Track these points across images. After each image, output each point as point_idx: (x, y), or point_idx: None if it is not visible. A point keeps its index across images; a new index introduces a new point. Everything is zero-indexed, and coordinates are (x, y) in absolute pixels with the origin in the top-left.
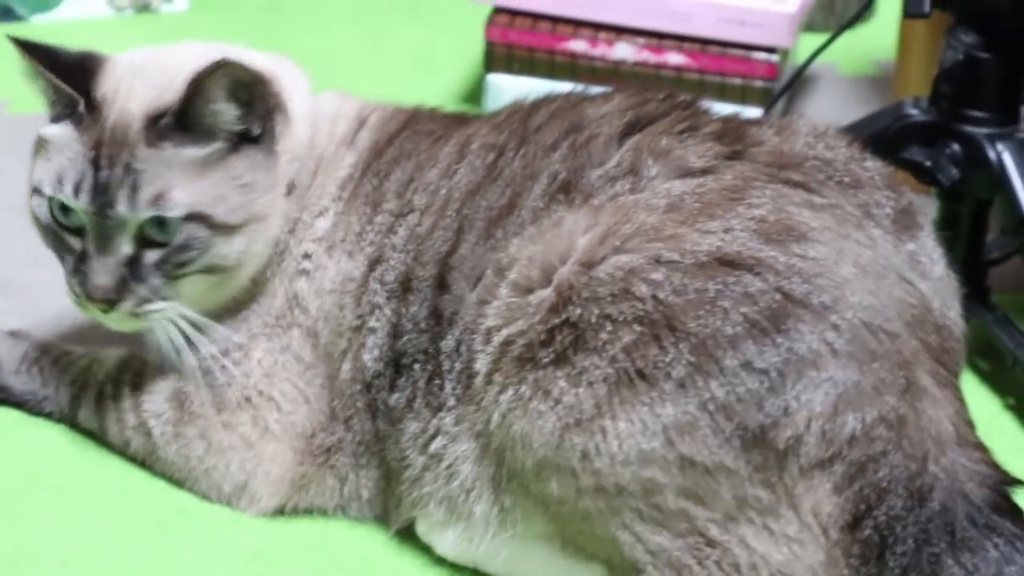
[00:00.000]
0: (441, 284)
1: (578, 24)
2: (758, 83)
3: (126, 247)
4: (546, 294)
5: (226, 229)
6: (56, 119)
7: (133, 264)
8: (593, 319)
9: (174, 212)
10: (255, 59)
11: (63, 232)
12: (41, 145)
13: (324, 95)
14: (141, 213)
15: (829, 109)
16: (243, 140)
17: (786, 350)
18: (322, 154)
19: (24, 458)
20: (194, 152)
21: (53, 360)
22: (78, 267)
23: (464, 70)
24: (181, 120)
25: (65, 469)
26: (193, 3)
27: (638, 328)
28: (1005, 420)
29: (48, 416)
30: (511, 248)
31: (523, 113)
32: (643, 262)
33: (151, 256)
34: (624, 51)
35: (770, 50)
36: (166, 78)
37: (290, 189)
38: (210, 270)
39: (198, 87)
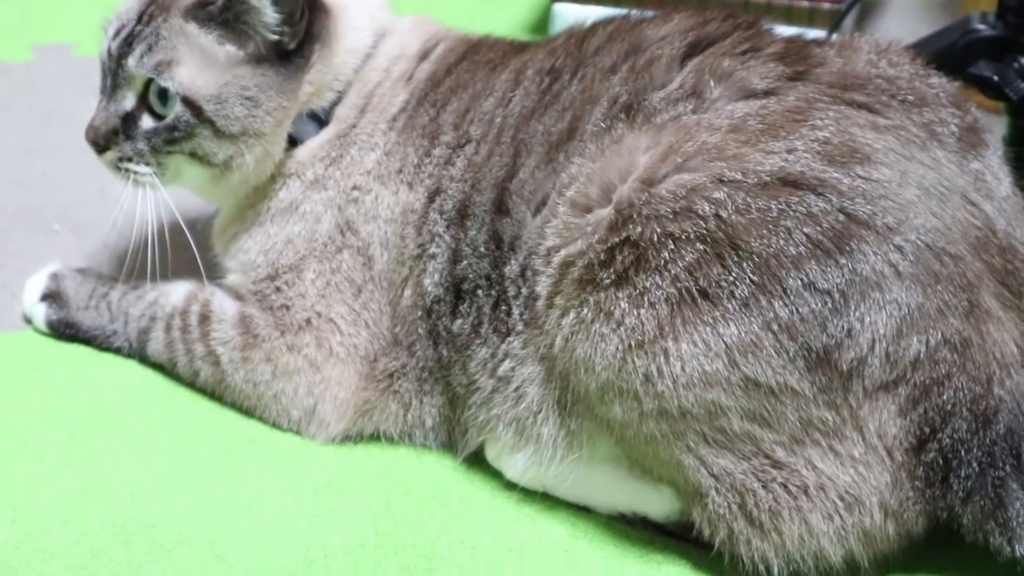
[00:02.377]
0: (500, 209)
1: None
2: (826, 5)
3: (127, 102)
4: (605, 212)
5: (215, 129)
6: None
7: (129, 121)
8: (655, 237)
9: (170, 84)
10: None
11: (103, 70)
12: None
13: (399, 26)
14: (143, 71)
15: (899, 31)
16: (270, 54)
17: (849, 271)
18: (373, 92)
19: (94, 392)
20: (218, 45)
21: (121, 295)
22: (97, 104)
23: (532, 1)
24: (223, 12)
25: (135, 403)
26: None
27: (700, 246)
28: None
29: (117, 351)
30: (572, 168)
31: (579, 37)
32: (705, 180)
33: (146, 122)
34: None
35: None
36: None
37: (322, 119)
38: (195, 157)
39: None
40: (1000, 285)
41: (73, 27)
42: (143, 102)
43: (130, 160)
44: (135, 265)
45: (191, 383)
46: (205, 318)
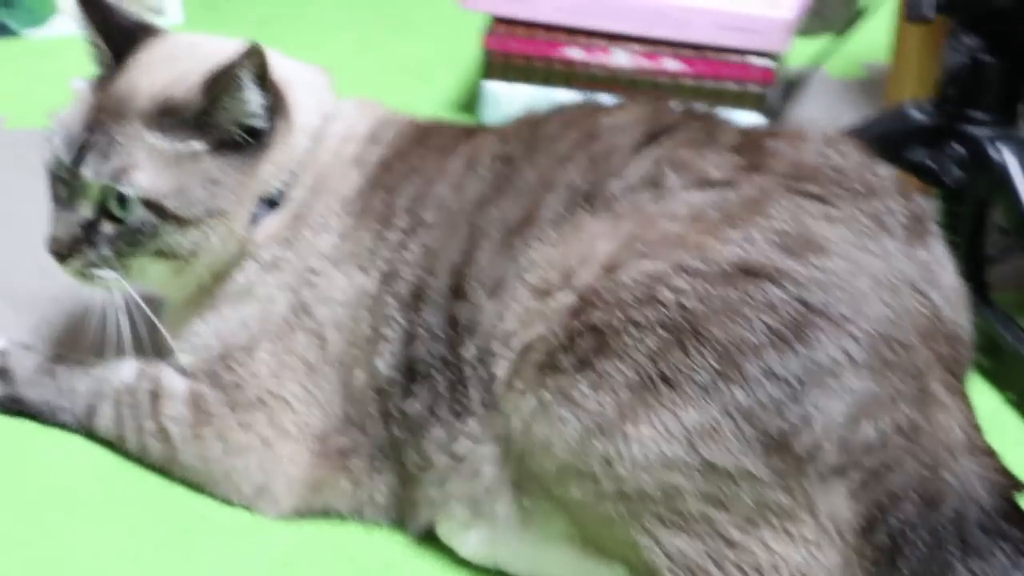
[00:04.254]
0: (457, 293)
1: (575, 32)
2: (753, 88)
3: (86, 210)
4: (567, 298)
5: (179, 221)
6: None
7: (90, 228)
8: (617, 323)
9: (129, 190)
10: (278, 64)
11: (55, 180)
12: (74, 96)
13: (346, 107)
14: (101, 180)
15: (819, 112)
16: (233, 142)
17: (807, 359)
18: (325, 173)
19: (41, 469)
20: (179, 144)
21: (68, 370)
22: (52, 214)
23: (459, 79)
24: (201, 115)
25: (83, 479)
26: (187, 17)
27: (663, 333)
28: (1007, 415)
29: (64, 426)
30: (532, 254)
31: (532, 124)
32: (668, 268)
33: (107, 228)
34: (621, 58)
35: (766, 55)
36: (184, 70)
37: (275, 200)
38: (162, 255)
39: (230, 75)
40: (946, 372)
41: (3, 101)
42: (101, 209)
43: (95, 266)
44: (84, 342)
45: (140, 459)
46: (155, 395)
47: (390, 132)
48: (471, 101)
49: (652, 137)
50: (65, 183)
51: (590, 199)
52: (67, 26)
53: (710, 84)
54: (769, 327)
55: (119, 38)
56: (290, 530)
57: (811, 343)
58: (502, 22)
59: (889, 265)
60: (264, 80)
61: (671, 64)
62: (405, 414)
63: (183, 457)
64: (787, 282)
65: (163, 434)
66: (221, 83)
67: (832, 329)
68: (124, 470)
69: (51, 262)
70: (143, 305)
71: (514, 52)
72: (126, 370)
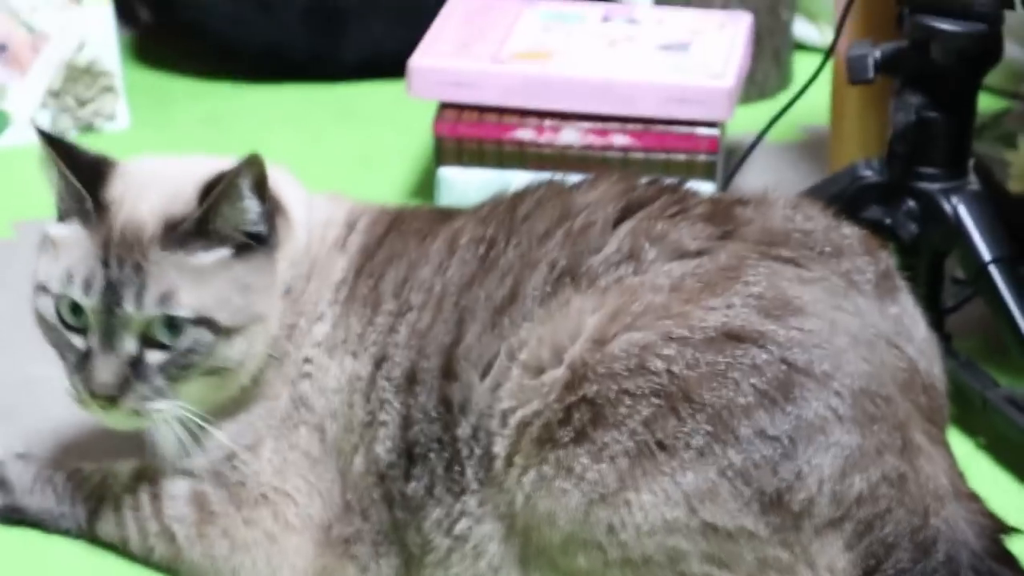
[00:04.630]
0: (448, 374)
1: (524, 113)
2: (702, 157)
3: (130, 346)
4: (559, 373)
5: (228, 332)
6: (63, 218)
7: (136, 364)
8: (611, 394)
9: (181, 312)
10: None
11: (67, 331)
12: (47, 244)
13: (317, 197)
14: (147, 311)
15: (763, 176)
16: (249, 244)
17: (795, 417)
18: (315, 259)
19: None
20: (203, 257)
21: (67, 477)
22: (82, 365)
23: (410, 167)
24: (201, 226)
25: None
26: (133, 120)
27: (656, 401)
28: (980, 459)
29: (66, 533)
30: (521, 333)
31: (507, 204)
32: (655, 338)
33: (154, 357)
34: (570, 136)
35: (711, 124)
36: (176, 186)
37: (287, 292)
38: (213, 372)
39: (231, 185)
40: (927, 422)
41: None
42: (143, 340)
43: (149, 400)
44: (75, 449)
45: (145, 560)
46: (156, 496)
47: (364, 219)
48: (425, 188)
49: (627, 212)
50: (102, 325)
51: (573, 275)
52: (19, 138)
53: (659, 156)
54: (757, 388)
55: (89, 174)
56: None
57: (798, 401)
58: (451, 107)
59: (864, 322)
60: (263, 186)
61: (620, 139)
62: (405, 496)
63: (189, 556)
64: (770, 344)
65: (167, 534)
66: (222, 192)
67: (817, 387)
68: (129, 573)
69: (36, 370)
70: (198, 418)
71: (465, 136)
72: (124, 473)
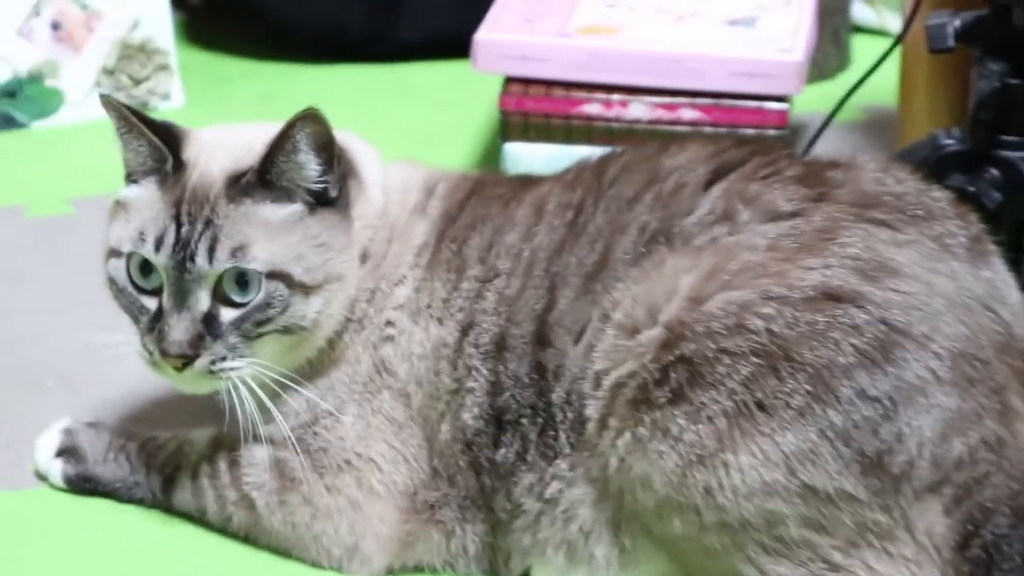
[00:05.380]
0: (541, 340)
1: (592, 88)
2: (771, 132)
3: (203, 303)
4: (655, 332)
5: (304, 288)
6: (136, 179)
7: (210, 321)
8: (709, 353)
9: (253, 265)
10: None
11: (139, 293)
12: (118, 208)
13: (392, 165)
14: (220, 266)
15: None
16: (320, 202)
17: (895, 378)
18: (395, 223)
19: (123, 546)
20: (273, 210)
21: (140, 446)
22: (153, 325)
23: (474, 143)
24: (262, 177)
25: (165, 553)
26: (188, 99)
27: (755, 360)
28: None
29: (140, 502)
30: (614, 294)
31: (593, 170)
32: (754, 297)
33: (228, 314)
34: (638, 111)
35: (780, 99)
36: (245, 145)
37: (364, 256)
38: (288, 330)
39: (285, 137)
40: (1023, 386)
41: (21, 190)
42: (216, 297)
43: (224, 359)
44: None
45: (222, 529)
46: (235, 463)
47: (443, 184)
48: (489, 164)
49: (718, 174)
50: (173, 283)
51: (667, 236)
52: (73, 115)
53: (728, 131)
54: (857, 349)
55: (167, 136)
56: None
57: (898, 363)
58: (517, 82)
59: (958, 285)
60: (323, 142)
61: (689, 113)
62: (494, 462)
63: (269, 524)
64: (869, 304)
65: (246, 502)
66: (276, 143)
67: (916, 348)
68: (207, 543)
69: (95, 339)
70: (277, 377)
71: (532, 111)
72: (201, 440)
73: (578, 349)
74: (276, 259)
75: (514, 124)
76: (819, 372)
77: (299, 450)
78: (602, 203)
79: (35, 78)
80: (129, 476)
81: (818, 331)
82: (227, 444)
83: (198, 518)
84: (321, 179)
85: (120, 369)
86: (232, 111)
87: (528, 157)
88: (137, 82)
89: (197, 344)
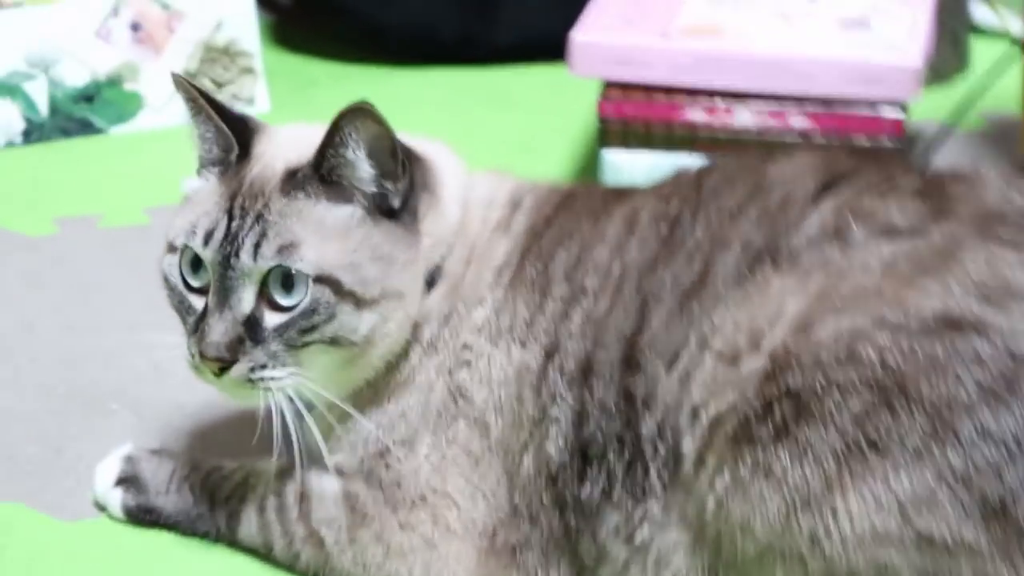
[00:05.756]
0: (630, 365)
1: (694, 93)
2: (886, 141)
3: (246, 303)
4: (758, 362)
5: (356, 300)
6: (202, 169)
7: (252, 325)
8: (817, 386)
9: (300, 266)
10: (407, 139)
11: (189, 292)
12: (183, 202)
13: (478, 176)
14: (265, 263)
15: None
16: (381, 211)
17: (1022, 416)
18: (475, 241)
19: None
20: (328, 209)
21: (204, 476)
22: (197, 326)
23: (571, 150)
24: (318, 171)
25: None
26: (274, 104)
27: (868, 394)
28: None
29: (204, 536)
30: (714, 318)
31: (692, 180)
32: (867, 324)
33: (272, 319)
34: (745, 118)
35: (896, 105)
36: (313, 140)
37: (434, 276)
38: (335, 342)
39: (334, 129)
40: None
41: (96, 199)
42: (261, 299)
43: (264, 367)
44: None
45: (290, 566)
46: (304, 497)
47: (531, 198)
48: (588, 172)
49: (828, 186)
50: (218, 280)
51: (772, 255)
52: (153, 121)
53: (840, 141)
54: (980, 383)
55: (239, 126)
56: None
57: None
58: (616, 87)
59: None
60: (378, 141)
61: (798, 121)
62: (579, 500)
63: (339, 562)
64: (994, 334)
65: (315, 539)
66: (327, 135)
67: None
68: None
69: (167, 362)
70: (328, 396)
71: (631, 117)
72: (270, 472)
73: (672, 377)
74: (326, 262)
75: (613, 131)
76: (938, 409)
77: (371, 483)
78: (701, 216)
79: (113, 81)
80: (192, 508)
81: (937, 363)
82: (297, 477)
83: (264, 554)
84: (379, 183)
85: (190, 393)
86: (319, 115)
87: (628, 165)
88: (220, 85)
89: (236, 348)
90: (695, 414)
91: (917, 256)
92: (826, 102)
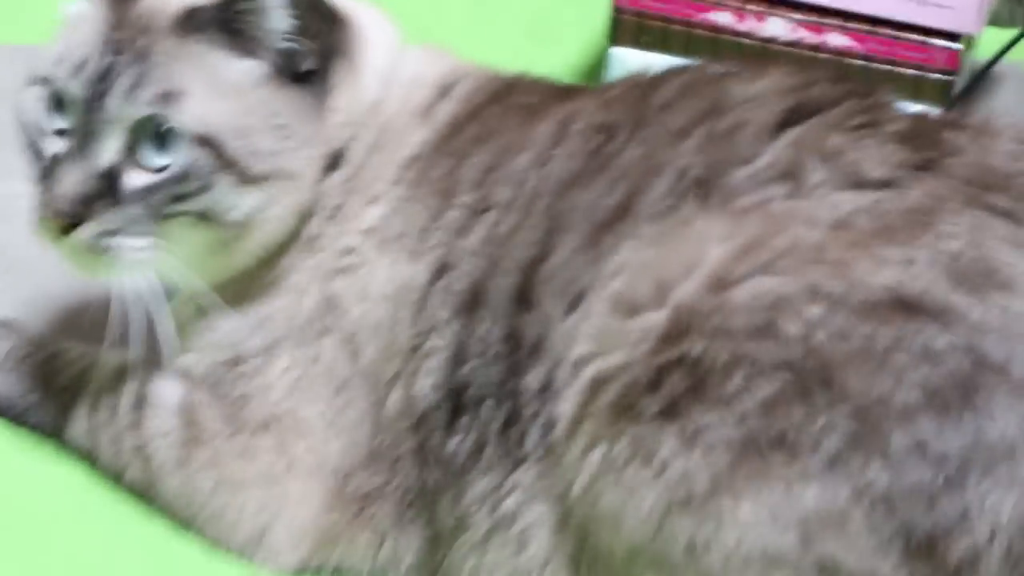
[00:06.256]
0: (523, 299)
1: None
2: (935, 76)
3: (108, 154)
4: (658, 317)
5: (240, 173)
6: None
7: (111, 181)
8: (722, 359)
9: (180, 119)
10: None
11: (44, 134)
12: (61, 29)
13: (411, 51)
14: (138, 109)
15: (1019, 107)
16: (288, 73)
17: (973, 432)
18: (388, 125)
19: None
20: (227, 61)
21: (45, 359)
22: (47, 173)
23: (586, 43)
24: (223, 14)
25: (43, 504)
26: None
27: (783, 378)
28: None
29: (33, 429)
30: (620, 256)
31: (643, 87)
32: (797, 290)
33: (136, 178)
34: (777, 27)
35: (953, 37)
36: None
37: (335, 160)
38: (206, 218)
39: None
40: None
41: None
42: (128, 153)
43: (115, 234)
44: (86, 326)
45: (114, 481)
46: (140, 400)
47: (465, 85)
48: (596, 69)
49: (796, 115)
50: (80, 123)
51: (705, 188)
52: None
53: (882, 67)
54: (927, 384)
55: None
56: None
57: (980, 411)
58: None
59: None
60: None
61: (836, 39)
62: (444, 454)
63: (164, 487)
64: (956, 325)
65: (143, 453)
66: None
67: (1009, 396)
68: (95, 493)
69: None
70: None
71: (649, 12)
72: (112, 364)
73: (568, 322)
74: (211, 121)
75: (627, 26)
76: (867, 409)
77: (215, 393)
78: (640, 132)
79: None
80: (25, 395)
81: (876, 351)
82: (139, 376)
83: (91, 463)
84: (290, 39)
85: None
86: None
87: (637, 66)
88: None
89: (87, 204)
90: (577, 368)
91: (882, 214)
92: (874, 22)
